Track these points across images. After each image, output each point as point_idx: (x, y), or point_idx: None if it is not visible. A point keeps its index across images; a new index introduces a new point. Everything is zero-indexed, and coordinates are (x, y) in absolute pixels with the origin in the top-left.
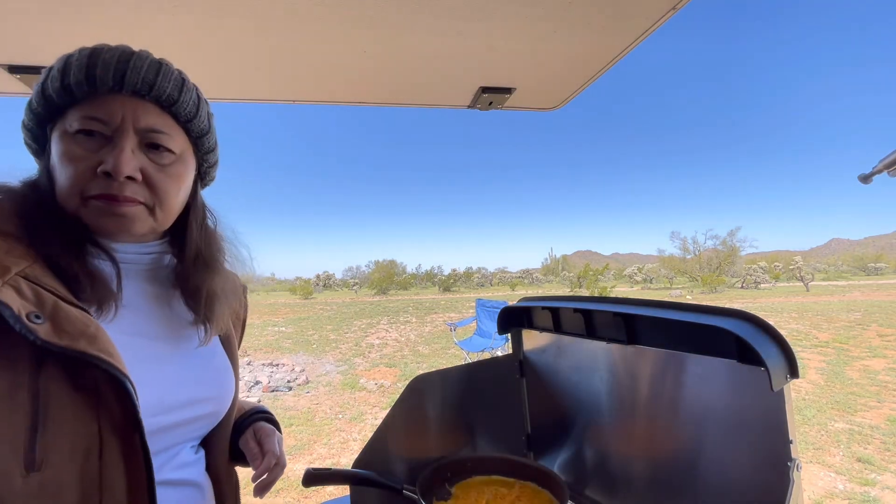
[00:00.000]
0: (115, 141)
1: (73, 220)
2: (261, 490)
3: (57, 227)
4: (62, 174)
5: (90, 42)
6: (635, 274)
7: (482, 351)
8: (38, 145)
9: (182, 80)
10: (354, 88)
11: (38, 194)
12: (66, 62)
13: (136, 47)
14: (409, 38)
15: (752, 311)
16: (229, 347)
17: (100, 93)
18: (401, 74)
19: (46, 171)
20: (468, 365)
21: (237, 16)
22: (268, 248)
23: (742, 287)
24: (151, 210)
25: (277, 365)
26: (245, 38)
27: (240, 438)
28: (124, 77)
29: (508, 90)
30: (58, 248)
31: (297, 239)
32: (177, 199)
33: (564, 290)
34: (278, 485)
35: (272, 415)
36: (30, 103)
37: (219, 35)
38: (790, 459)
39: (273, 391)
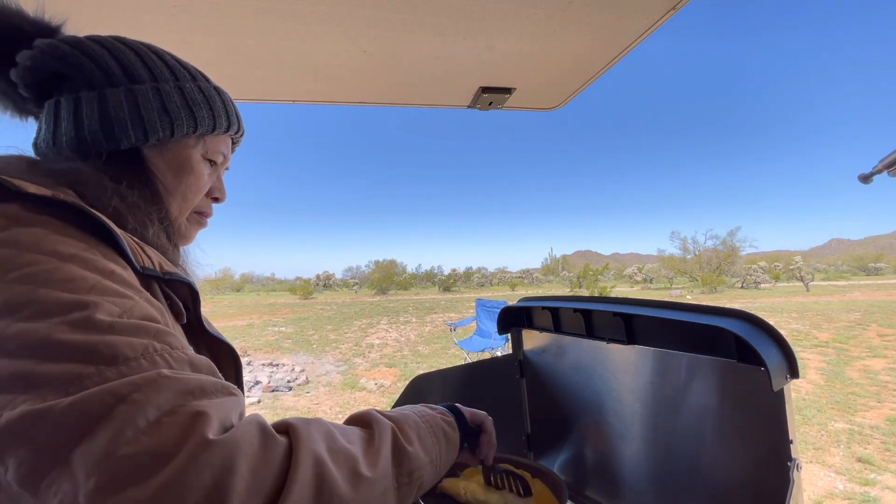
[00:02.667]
0: (219, 172)
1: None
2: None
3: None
4: (188, 187)
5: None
6: (635, 274)
7: (482, 351)
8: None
9: None
10: (354, 88)
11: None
12: (227, 97)
13: None
14: (409, 38)
15: (752, 311)
16: None
17: (226, 132)
18: (401, 74)
19: (131, 154)
20: (468, 365)
21: (237, 16)
22: (268, 248)
23: (742, 287)
24: None
25: (277, 365)
26: (245, 38)
27: None
28: (241, 125)
29: (508, 90)
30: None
31: (297, 239)
32: None
33: (564, 290)
34: None
35: None
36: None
37: (219, 35)
38: (790, 459)
39: (273, 391)
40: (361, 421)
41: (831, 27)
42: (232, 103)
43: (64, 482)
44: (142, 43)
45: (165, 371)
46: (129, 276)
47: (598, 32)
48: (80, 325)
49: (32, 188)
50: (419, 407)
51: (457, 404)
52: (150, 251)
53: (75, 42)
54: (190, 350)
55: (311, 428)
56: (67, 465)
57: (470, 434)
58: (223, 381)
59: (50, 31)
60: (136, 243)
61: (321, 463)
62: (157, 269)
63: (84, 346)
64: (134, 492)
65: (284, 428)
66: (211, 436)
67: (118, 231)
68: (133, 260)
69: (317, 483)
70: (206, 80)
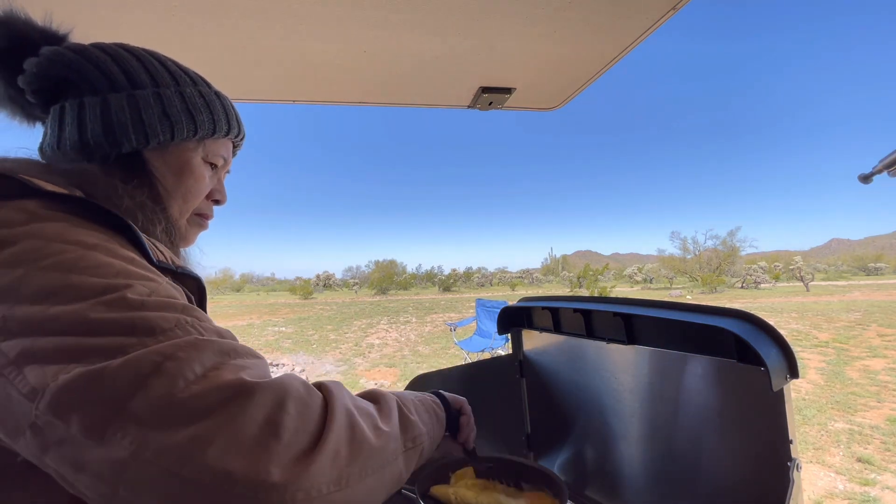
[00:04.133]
0: (220, 175)
1: (169, 223)
2: None
3: (161, 222)
4: (189, 189)
5: (88, 42)
6: (635, 274)
7: (482, 351)
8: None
9: None
10: (354, 88)
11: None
12: (228, 102)
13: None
14: (409, 38)
15: (752, 311)
16: None
17: (226, 136)
18: (401, 74)
19: (133, 157)
20: (468, 365)
21: (237, 16)
22: (268, 248)
23: (742, 287)
24: None
25: (278, 365)
26: (245, 38)
27: None
28: (242, 129)
29: (508, 90)
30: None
31: (297, 239)
32: None
33: (564, 290)
34: None
35: None
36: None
37: (219, 35)
38: (790, 459)
39: None
40: (369, 395)
41: (831, 27)
42: (233, 108)
43: (130, 426)
44: (145, 50)
45: (199, 336)
46: (147, 263)
47: (598, 32)
48: (115, 305)
49: (49, 186)
50: (409, 391)
51: (440, 391)
52: (161, 247)
53: (80, 49)
54: (214, 322)
55: (340, 387)
56: (127, 413)
57: (452, 417)
58: (248, 347)
59: (57, 39)
60: (148, 239)
61: (351, 414)
62: (170, 262)
63: (123, 321)
64: (198, 426)
65: (318, 385)
66: (259, 380)
67: (134, 226)
68: (150, 252)
69: (349, 429)
70: (207, 85)
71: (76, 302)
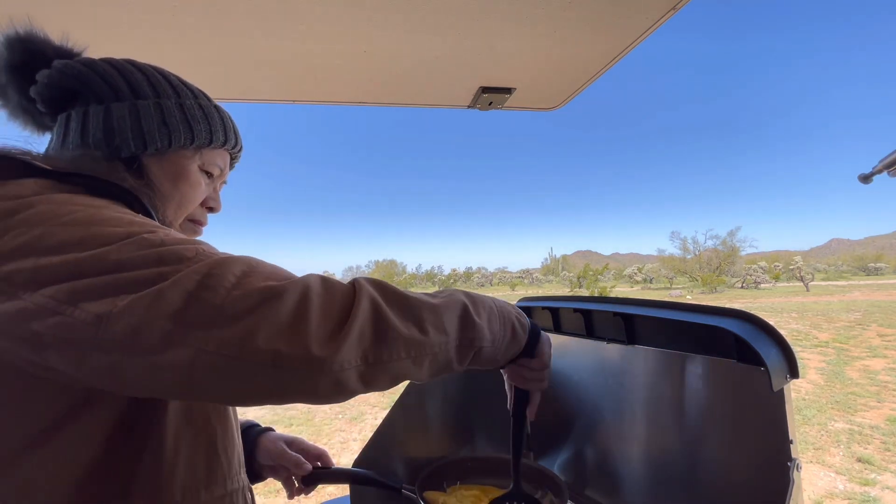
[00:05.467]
0: (216, 184)
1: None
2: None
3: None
4: (184, 195)
5: (87, 43)
6: (635, 274)
7: None
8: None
9: None
10: (354, 88)
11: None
12: (227, 115)
13: (136, 47)
14: (409, 38)
15: (752, 311)
16: None
17: (223, 146)
18: (401, 74)
19: (131, 159)
20: None
21: (237, 16)
22: (267, 248)
23: (742, 287)
24: None
25: None
26: (245, 38)
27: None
28: (239, 141)
29: (508, 90)
30: None
31: (297, 239)
32: None
33: (564, 290)
34: (277, 484)
35: None
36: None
37: (219, 35)
38: (790, 459)
39: None
40: (441, 292)
41: (831, 26)
42: (231, 121)
43: (190, 331)
44: (150, 65)
45: (221, 255)
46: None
47: (598, 32)
48: (139, 244)
49: (51, 166)
50: (504, 301)
51: (540, 329)
52: None
53: (89, 62)
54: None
55: (375, 283)
56: (186, 322)
57: (531, 350)
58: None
59: (70, 56)
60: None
61: (377, 305)
62: None
63: (152, 256)
64: (244, 322)
65: (352, 280)
66: (284, 281)
67: (139, 195)
68: (156, 218)
69: (374, 317)
70: (208, 99)
71: (104, 247)
